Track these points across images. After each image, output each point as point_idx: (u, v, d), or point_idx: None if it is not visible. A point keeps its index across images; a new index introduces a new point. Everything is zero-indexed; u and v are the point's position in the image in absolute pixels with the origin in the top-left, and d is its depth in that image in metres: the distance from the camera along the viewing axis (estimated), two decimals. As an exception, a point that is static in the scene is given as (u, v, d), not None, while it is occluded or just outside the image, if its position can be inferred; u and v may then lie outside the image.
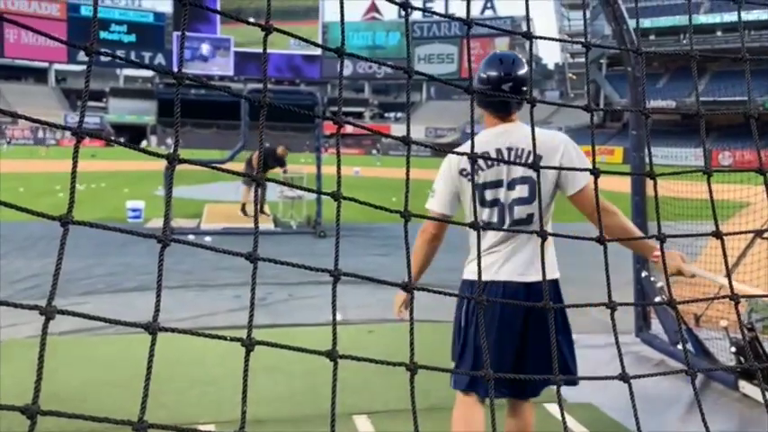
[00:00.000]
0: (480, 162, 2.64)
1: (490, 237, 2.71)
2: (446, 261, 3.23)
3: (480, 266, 1.26)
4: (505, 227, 2.69)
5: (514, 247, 2.68)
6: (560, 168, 2.58)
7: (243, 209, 12.71)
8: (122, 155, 39.27)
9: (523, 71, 2.65)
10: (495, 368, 2.64)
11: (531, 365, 2.71)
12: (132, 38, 71.35)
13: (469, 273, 2.81)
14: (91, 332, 5.40)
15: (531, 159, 2.71)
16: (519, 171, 2.66)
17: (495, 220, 2.71)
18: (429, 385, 3.71)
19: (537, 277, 2.64)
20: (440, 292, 1.27)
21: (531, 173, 2.69)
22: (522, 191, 2.67)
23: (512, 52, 2.81)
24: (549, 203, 2.75)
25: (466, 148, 2.72)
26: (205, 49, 69.76)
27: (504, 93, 2.66)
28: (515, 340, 2.70)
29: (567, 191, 2.69)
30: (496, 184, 2.69)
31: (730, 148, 43.79)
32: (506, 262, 2.69)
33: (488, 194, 2.70)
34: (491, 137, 2.72)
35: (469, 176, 2.68)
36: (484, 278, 2.67)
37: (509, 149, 2.68)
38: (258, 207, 1.10)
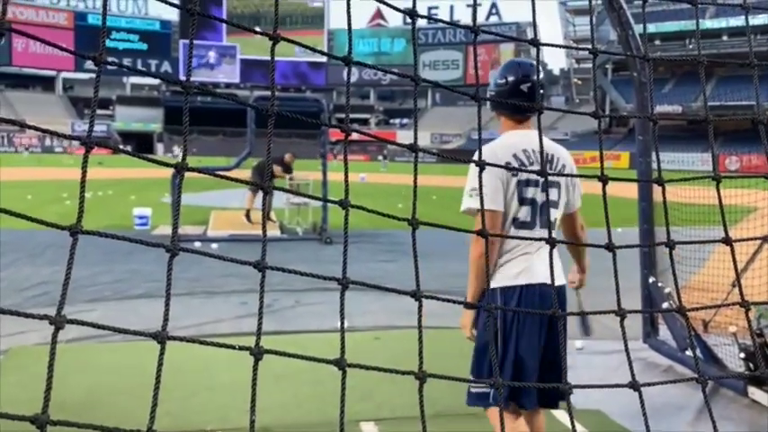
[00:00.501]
0: (523, 158, 2.66)
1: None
2: (452, 267, 3.22)
3: (489, 272, 1.25)
4: (537, 227, 2.68)
5: (542, 250, 2.68)
6: (570, 175, 2.60)
7: (247, 215, 12.72)
8: (129, 162, 39.45)
9: (540, 76, 2.68)
10: (534, 376, 2.62)
11: (551, 373, 2.70)
12: (139, 46, 71.83)
13: (502, 279, 2.69)
14: (98, 339, 5.41)
15: (557, 165, 2.77)
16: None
17: (529, 219, 2.69)
18: (436, 392, 3.69)
19: (560, 281, 2.70)
20: (452, 301, 1.27)
21: (558, 178, 2.74)
22: (552, 194, 2.71)
23: (529, 59, 2.86)
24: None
25: (507, 145, 2.68)
26: (211, 56, 70.21)
27: (522, 95, 2.69)
28: (545, 346, 2.70)
29: (568, 208, 2.83)
30: (536, 183, 2.69)
31: (737, 153, 43.59)
32: (540, 264, 2.68)
33: (528, 192, 2.68)
34: (523, 137, 2.72)
35: (514, 172, 2.64)
36: (521, 281, 2.65)
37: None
38: (265, 214, 1.10)
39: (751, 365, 4.17)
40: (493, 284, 2.70)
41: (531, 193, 2.68)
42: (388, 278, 8.16)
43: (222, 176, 1.15)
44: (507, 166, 2.56)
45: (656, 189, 4.88)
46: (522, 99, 2.67)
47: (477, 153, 2.63)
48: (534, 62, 2.74)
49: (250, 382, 0.98)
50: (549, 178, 2.69)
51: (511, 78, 2.73)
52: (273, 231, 12.03)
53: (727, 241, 1.19)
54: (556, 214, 2.75)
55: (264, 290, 1.05)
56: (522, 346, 2.64)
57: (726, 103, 41.15)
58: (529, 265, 2.66)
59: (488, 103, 2.78)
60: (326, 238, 11.29)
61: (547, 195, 2.60)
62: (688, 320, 1.20)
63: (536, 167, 2.65)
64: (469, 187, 2.64)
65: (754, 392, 4.20)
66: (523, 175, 2.65)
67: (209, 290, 7.46)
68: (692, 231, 4.54)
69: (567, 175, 2.68)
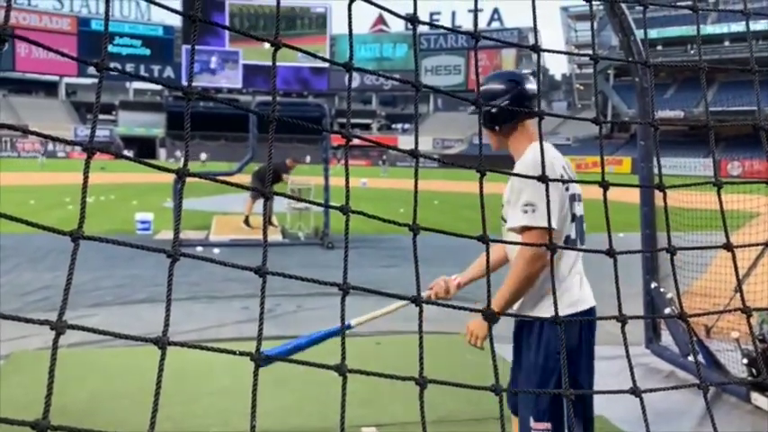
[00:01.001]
0: (569, 171, 2.54)
1: (574, 257, 2.50)
2: (453, 273, 3.19)
3: (490, 289, 1.25)
4: (579, 244, 2.54)
5: (582, 268, 2.60)
6: (578, 182, 2.45)
7: (246, 221, 12.77)
8: (131, 167, 39.52)
9: (540, 79, 2.59)
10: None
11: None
12: (142, 51, 72.04)
13: (568, 306, 2.44)
14: (99, 344, 5.41)
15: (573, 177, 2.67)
16: (579, 187, 2.56)
17: (575, 236, 2.54)
18: (438, 398, 3.68)
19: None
20: (452, 306, 1.27)
21: (580, 189, 2.61)
22: (581, 207, 2.60)
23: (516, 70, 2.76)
24: None
25: (555, 156, 2.48)
26: (213, 62, 70.39)
27: (529, 98, 2.53)
28: None
29: None
30: (578, 198, 2.56)
31: (739, 158, 43.64)
32: (587, 284, 2.59)
33: (575, 207, 2.53)
34: (549, 148, 2.47)
35: (566, 186, 2.44)
36: (586, 306, 2.50)
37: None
38: (266, 220, 1.10)
39: (754, 371, 4.16)
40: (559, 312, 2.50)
41: (576, 208, 2.54)
42: (389, 283, 8.16)
43: (223, 182, 1.16)
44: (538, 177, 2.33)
45: (658, 194, 4.87)
46: (530, 103, 2.53)
47: (534, 165, 2.29)
48: (521, 72, 2.68)
49: (251, 386, 0.98)
50: (578, 190, 2.52)
51: (510, 85, 2.53)
52: (275, 236, 12.04)
53: (729, 247, 1.19)
54: (585, 225, 2.63)
55: (266, 295, 1.06)
56: (592, 371, 2.54)
57: (728, 108, 41.16)
58: (584, 284, 2.56)
59: (487, 119, 2.53)
60: (328, 243, 11.29)
61: (547, 202, 2.52)
62: (689, 326, 1.20)
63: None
64: (524, 201, 2.34)
65: (757, 398, 4.18)
66: (571, 190, 2.49)
67: (211, 294, 7.46)
68: (694, 237, 4.54)
69: (579, 182, 2.49)
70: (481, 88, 2.49)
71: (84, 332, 0.88)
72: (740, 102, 37.98)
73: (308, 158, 13.33)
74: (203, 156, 50.72)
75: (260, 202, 12.84)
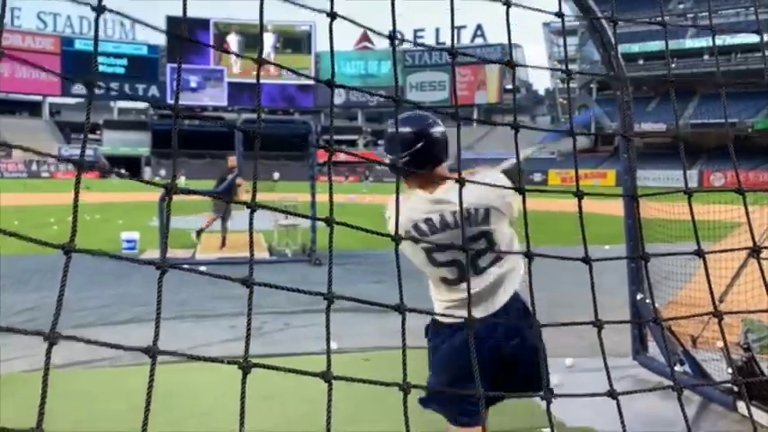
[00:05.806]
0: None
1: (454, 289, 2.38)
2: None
3: (471, 299, 1.27)
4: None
5: None
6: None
7: (199, 233, 12.89)
8: (116, 186, 39.32)
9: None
10: None
11: None
12: (126, 70, 71.94)
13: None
14: (84, 365, 5.34)
15: None
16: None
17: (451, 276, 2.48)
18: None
19: None
20: (430, 313, 1.29)
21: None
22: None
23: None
24: None
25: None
26: (198, 80, 70.48)
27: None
28: None
29: None
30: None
31: (722, 170, 44.20)
32: None
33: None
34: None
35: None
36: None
37: None
38: (251, 234, 1.12)
39: (740, 379, 4.19)
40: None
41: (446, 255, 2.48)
42: (376, 299, 8.12)
43: (213, 196, 1.18)
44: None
45: (643, 206, 4.93)
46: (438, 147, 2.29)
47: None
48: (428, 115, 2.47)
49: (239, 408, 0.99)
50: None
51: (421, 131, 2.34)
52: (262, 253, 12.02)
53: (700, 253, 1.22)
54: None
55: (253, 311, 1.07)
56: None
57: (708, 120, 41.78)
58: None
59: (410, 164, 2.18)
60: (316, 259, 11.28)
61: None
62: (664, 331, 1.22)
63: None
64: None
65: (743, 407, 4.22)
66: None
67: (198, 313, 7.42)
68: (680, 247, 4.58)
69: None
70: (399, 133, 2.37)
71: (69, 354, 0.89)
72: (720, 114, 38.51)
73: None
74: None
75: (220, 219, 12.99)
